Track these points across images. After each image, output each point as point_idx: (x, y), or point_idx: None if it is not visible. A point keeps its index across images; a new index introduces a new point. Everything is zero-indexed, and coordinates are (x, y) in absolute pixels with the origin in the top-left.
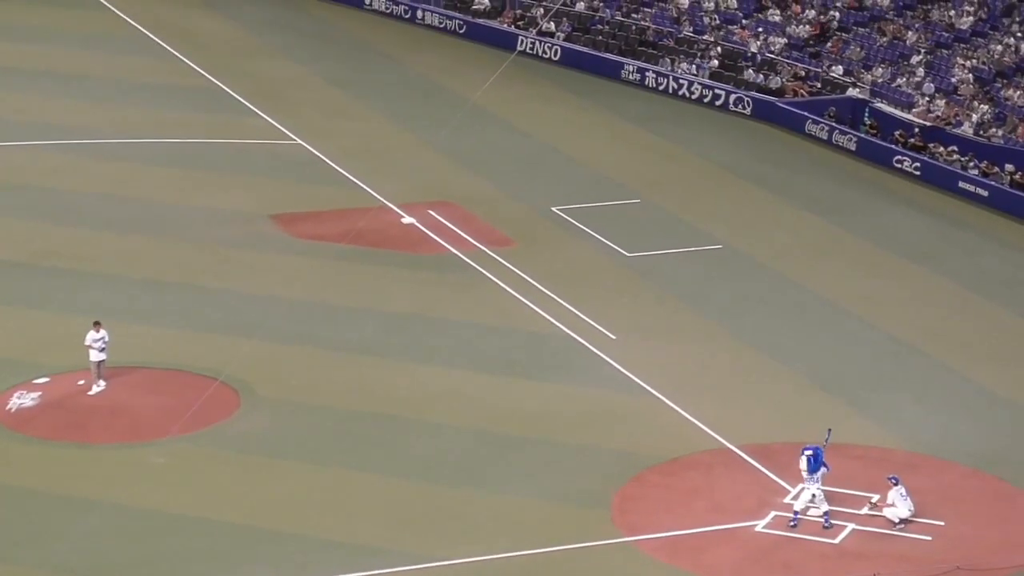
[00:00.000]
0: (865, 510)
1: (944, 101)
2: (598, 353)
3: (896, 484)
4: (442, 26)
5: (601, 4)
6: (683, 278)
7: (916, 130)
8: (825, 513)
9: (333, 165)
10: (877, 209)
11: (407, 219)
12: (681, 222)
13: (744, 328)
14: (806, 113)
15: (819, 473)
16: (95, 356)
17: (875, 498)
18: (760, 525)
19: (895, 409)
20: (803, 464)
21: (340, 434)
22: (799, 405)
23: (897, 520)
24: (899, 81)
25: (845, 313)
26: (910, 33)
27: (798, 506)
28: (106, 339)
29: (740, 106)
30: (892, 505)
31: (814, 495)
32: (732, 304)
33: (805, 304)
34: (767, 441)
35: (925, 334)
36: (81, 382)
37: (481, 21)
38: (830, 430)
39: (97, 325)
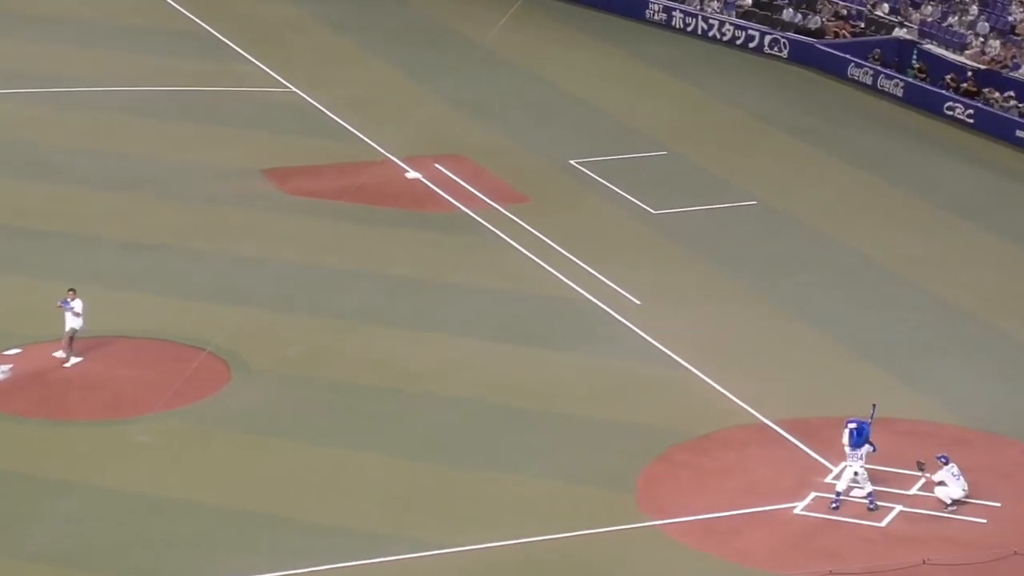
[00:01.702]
0: (916, 488)
1: (1000, 42)
2: (621, 320)
3: (947, 463)
4: None
5: None
6: (714, 238)
7: (969, 74)
8: (869, 494)
9: (331, 115)
10: (926, 161)
11: (412, 174)
12: (711, 176)
13: (781, 292)
14: (848, 56)
15: (863, 450)
16: (69, 323)
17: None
18: (799, 507)
19: (946, 380)
20: (845, 438)
21: (340, 409)
22: (841, 376)
23: (949, 501)
24: (950, 20)
25: (891, 275)
26: None
27: (840, 486)
28: (76, 308)
29: (776, 48)
30: (943, 484)
31: (857, 473)
32: (767, 266)
33: (847, 266)
34: (806, 415)
35: (978, 297)
36: (57, 353)
37: None
38: (875, 405)
39: (72, 292)
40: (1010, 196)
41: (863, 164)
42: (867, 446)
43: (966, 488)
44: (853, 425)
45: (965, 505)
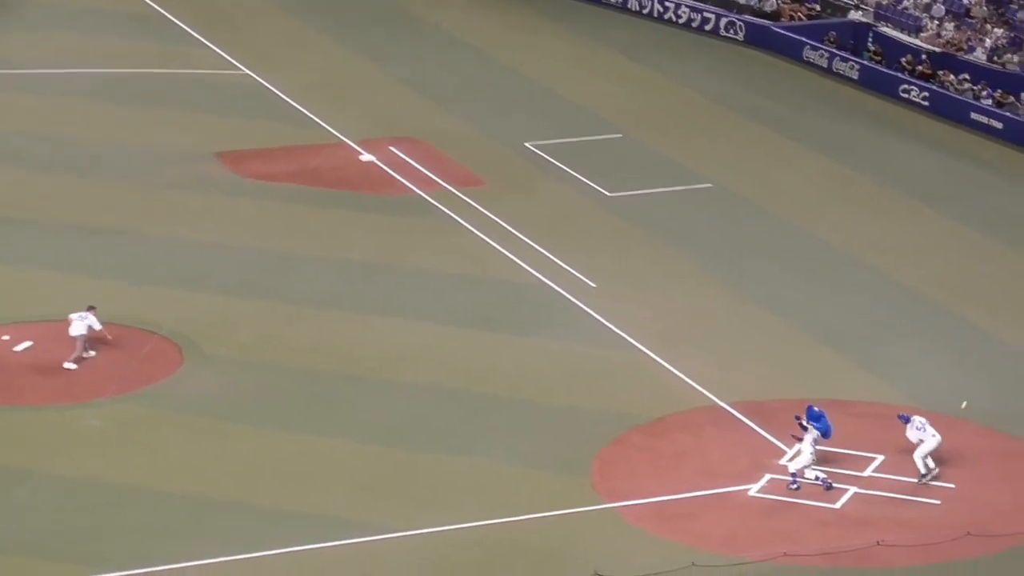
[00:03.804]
0: (871, 469)
1: (955, 24)
2: (578, 304)
3: (908, 421)
4: None
5: None
6: (670, 221)
7: (924, 56)
8: (818, 476)
9: (285, 98)
10: (881, 144)
11: (366, 157)
12: (667, 159)
13: (738, 276)
14: (804, 38)
15: (815, 433)
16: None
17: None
18: (754, 489)
19: (903, 364)
20: (811, 433)
21: (295, 395)
22: (798, 359)
23: (929, 468)
24: (906, 3)
25: (848, 259)
26: None
27: (794, 467)
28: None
29: (732, 31)
30: (920, 443)
31: (812, 453)
32: (724, 250)
33: (804, 250)
34: (762, 398)
35: (935, 282)
36: (5, 337)
37: None
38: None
39: (92, 309)
40: (967, 179)
41: (820, 147)
42: (818, 431)
43: (939, 436)
44: (816, 410)
45: (920, 487)
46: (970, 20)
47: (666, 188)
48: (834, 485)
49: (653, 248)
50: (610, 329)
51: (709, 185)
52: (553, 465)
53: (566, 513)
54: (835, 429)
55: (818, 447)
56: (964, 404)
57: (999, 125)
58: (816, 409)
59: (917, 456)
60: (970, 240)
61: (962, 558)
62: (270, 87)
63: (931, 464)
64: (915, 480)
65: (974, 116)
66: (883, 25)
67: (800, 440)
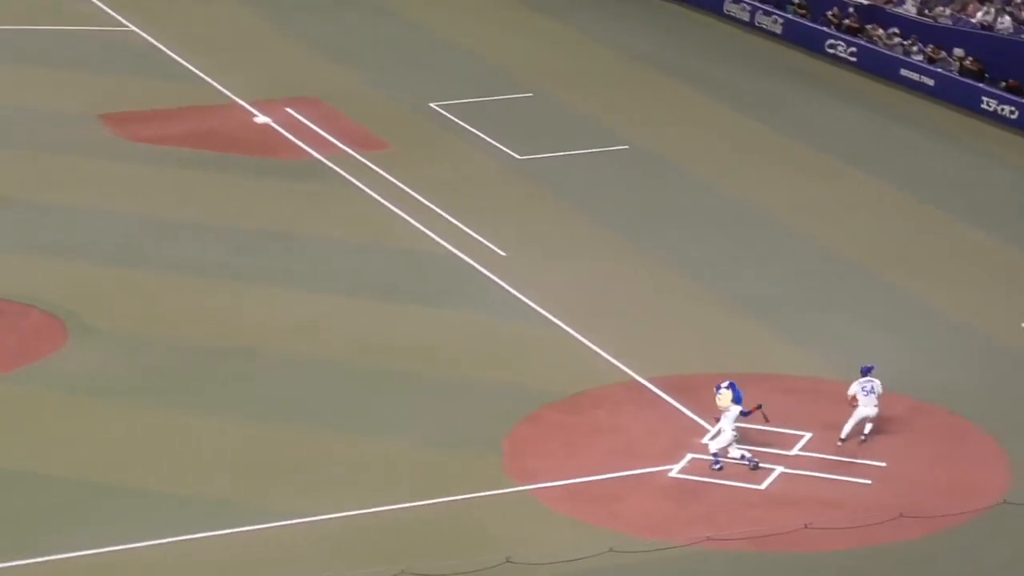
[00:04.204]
0: (798, 448)
1: None
2: (486, 273)
3: (867, 373)
4: None
5: None
6: (585, 185)
7: (851, 9)
8: (743, 455)
9: (174, 56)
10: (807, 102)
11: (261, 118)
12: (581, 119)
13: (656, 242)
14: None
15: (737, 410)
16: None
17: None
18: (675, 469)
19: (831, 334)
20: (723, 399)
21: (185, 371)
22: (720, 330)
23: (858, 428)
24: None
25: (773, 223)
26: None
27: (716, 446)
28: None
29: None
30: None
31: (734, 430)
32: (642, 214)
33: (726, 214)
34: (684, 373)
35: (865, 246)
36: None
37: None
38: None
39: None
40: (895, 138)
41: (741, 105)
42: (737, 406)
43: (876, 409)
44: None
45: (850, 465)
46: None
47: (580, 150)
48: (760, 465)
49: (566, 214)
50: (521, 300)
51: (625, 146)
52: (462, 445)
53: (475, 496)
54: (764, 404)
55: (741, 424)
56: None
57: (930, 82)
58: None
59: (858, 414)
60: (901, 202)
61: (895, 541)
62: (158, 44)
63: (848, 431)
64: (847, 459)
65: (904, 72)
66: None
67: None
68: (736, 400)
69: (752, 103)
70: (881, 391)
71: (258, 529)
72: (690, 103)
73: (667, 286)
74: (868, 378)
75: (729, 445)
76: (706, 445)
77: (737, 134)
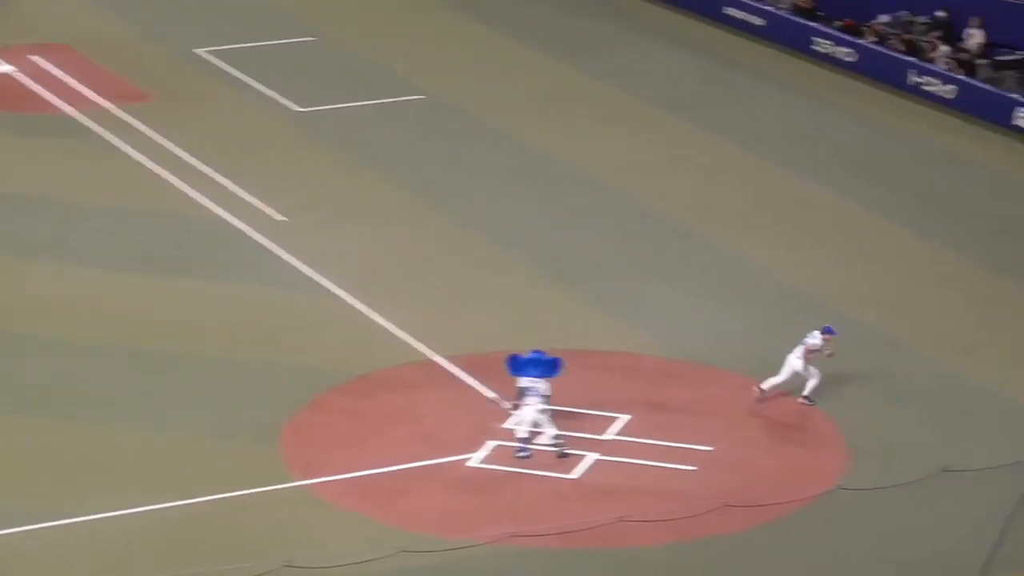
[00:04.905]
0: (614, 432)
1: None
2: (262, 241)
3: (830, 334)
4: None
5: None
6: (375, 140)
7: None
8: (556, 437)
9: None
10: (624, 45)
11: (3, 67)
12: (372, 67)
13: (453, 203)
14: None
15: (544, 386)
16: None
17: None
18: (476, 459)
19: (652, 305)
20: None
21: None
22: (526, 301)
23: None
24: None
25: (586, 181)
26: None
27: (522, 432)
28: None
29: None
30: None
31: (539, 411)
32: (438, 172)
33: (537, 172)
34: (485, 350)
35: (688, 205)
36: None
37: None
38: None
39: None
40: (721, 84)
41: (550, 49)
42: (545, 380)
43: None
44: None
45: (673, 450)
46: None
47: (369, 101)
48: (569, 452)
49: (353, 172)
50: (302, 271)
51: (421, 96)
52: (237, 436)
53: (252, 493)
54: (573, 385)
55: (549, 406)
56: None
57: (759, 22)
58: (523, 356)
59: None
60: (728, 155)
61: (719, 533)
62: None
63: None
64: (669, 443)
65: (728, 11)
66: None
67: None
68: (541, 374)
69: (564, 48)
70: (811, 343)
71: (9, 534)
72: (495, 48)
73: (466, 252)
74: (830, 338)
75: (536, 428)
76: (511, 430)
77: (547, 82)
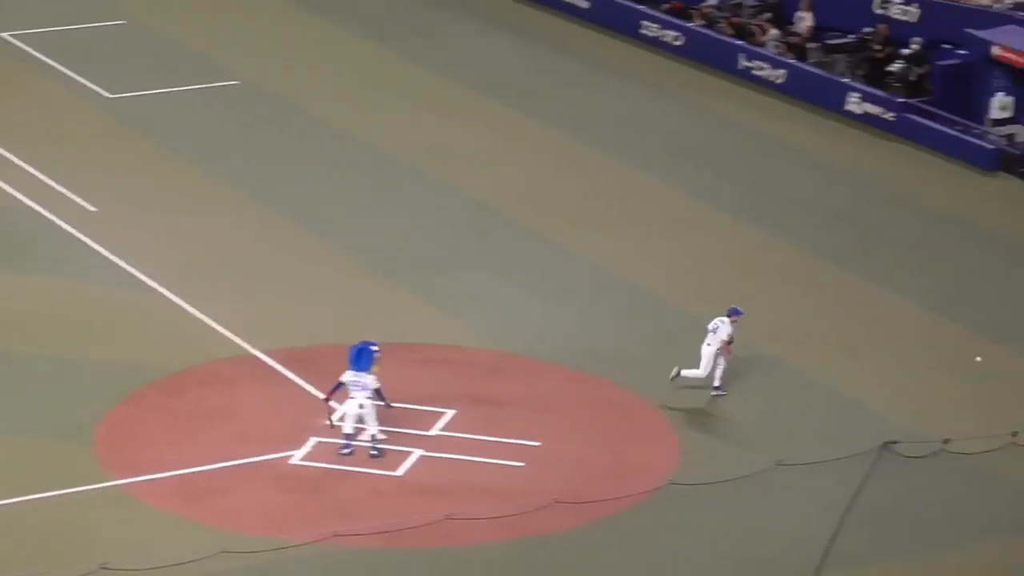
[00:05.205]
0: (439, 427)
1: None
2: (72, 232)
3: (736, 316)
4: None
5: None
6: (189, 127)
7: None
8: (373, 436)
9: None
10: (455, 31)
11: None
12: (185, 51)
13: (272, 193)
14: None
15: (368, 379)
16: None
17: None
18: (298, 456)
19: (476, 297)
20: (350, 375)
21: None
22: (348, 294)
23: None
24: None
25: (411, 171)
26: None
27: (348, 428)
28: None
29: None
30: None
31: (362, 406)
32: (254, 161)
33: (357, 160)
34: (306, 344)
35: (516, 196)
36: None
37: None
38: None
39: None
40: (548, 71)
41: (375, 34)
42: (370, 375)
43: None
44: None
45: (500, 446)
46: None
47: (183, 87)
48: (385, 448)
49: (166, 161)
50: (114, 263)
51: (236, 82)
52: (48, 434)
53: (64, 493)
54: (399, 379)
55: (375, 400)
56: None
57: (585, 4)
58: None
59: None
60: (556, 144)
61: (549, 532)
62: None
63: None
64: (496, 439)
65: None
66: None
67: (330, 401)
68: (361, 367)
69: (391, 35)
70: (724, 336)
71: None
72: (316, 33)
73: (286, 244)
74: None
75: (362, 424)
76: (335, 427)
77: (369, 68)
